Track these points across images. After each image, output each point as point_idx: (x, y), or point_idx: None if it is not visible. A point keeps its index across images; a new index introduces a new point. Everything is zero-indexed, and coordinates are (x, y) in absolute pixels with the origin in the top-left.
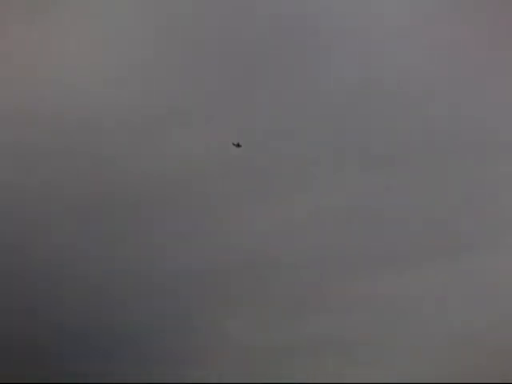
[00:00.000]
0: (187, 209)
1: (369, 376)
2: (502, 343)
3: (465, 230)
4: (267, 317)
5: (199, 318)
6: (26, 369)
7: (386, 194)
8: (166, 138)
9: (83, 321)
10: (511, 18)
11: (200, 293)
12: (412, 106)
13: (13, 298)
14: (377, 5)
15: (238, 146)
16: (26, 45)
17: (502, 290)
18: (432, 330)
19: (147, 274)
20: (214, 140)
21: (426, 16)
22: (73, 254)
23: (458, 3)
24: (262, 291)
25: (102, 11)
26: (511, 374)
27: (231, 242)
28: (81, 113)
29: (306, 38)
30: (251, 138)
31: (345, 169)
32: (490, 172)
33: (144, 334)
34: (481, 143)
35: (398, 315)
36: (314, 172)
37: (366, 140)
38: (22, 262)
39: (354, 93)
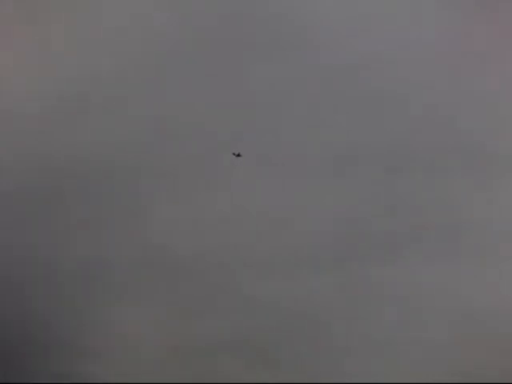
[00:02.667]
0: (95, 204)
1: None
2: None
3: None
4: (172, 316)
5: (91, 315)
6: None
7: (298, 196)
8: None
9: None
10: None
11: (100, 289)
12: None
13: None
14: None
15: (239, 155)
16: None
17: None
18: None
19: (49, 261)
20: (121, 139)
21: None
22: None
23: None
24: (168, 290)
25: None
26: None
27: (140, 240)
28: None
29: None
30: (157, 135)
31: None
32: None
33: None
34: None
35: (300, 319)
36: (225, 172)
37: (279, 141)
38: None
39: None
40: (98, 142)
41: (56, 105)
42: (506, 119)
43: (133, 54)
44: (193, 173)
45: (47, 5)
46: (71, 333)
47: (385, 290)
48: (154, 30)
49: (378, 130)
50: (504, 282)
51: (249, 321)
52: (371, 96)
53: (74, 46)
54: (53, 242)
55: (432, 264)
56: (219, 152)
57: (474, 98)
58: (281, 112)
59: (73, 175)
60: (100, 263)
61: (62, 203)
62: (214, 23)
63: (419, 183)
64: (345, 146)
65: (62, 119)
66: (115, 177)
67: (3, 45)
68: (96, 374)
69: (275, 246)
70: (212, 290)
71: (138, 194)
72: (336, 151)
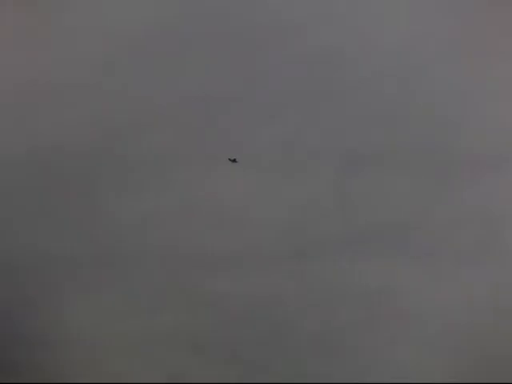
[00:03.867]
0: (45, 196)
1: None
2: None
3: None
4: (122, 308)
5: (43, 305)
6: None
7: (251, 191)
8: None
9: None
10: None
11: (55, 280)
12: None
13: None
14: None
15: (234, 161)
16: None
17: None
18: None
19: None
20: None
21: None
22: None
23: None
24: (119, 285)
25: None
26: None
27: (91, 234)
28: None
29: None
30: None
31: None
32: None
33: None
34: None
35: (251, 315)
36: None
37: (231, 135)
38: None
39: None
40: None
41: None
42: (466, 118)
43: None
44: (145, 167)
45: None
46: (24, 322)
47: (340, 286)
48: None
49: (335, 126)
50: (455, 282)
51: (199, 316)
52: (327, 90)
53: (49, 31)
54: (3, 232)
55: (383, 262)
56: (172, 147)
57: (437, 97)
58: (233, 107)
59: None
60: (48, 255)
61: (10, 194)
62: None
63: (375, 181)
64: (300, 140)
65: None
66: (66, 168)
67: None
68: (46, 362)
69: (227, 241)
70: (163, 285)
71: (89, 186)
72: (291, 146)
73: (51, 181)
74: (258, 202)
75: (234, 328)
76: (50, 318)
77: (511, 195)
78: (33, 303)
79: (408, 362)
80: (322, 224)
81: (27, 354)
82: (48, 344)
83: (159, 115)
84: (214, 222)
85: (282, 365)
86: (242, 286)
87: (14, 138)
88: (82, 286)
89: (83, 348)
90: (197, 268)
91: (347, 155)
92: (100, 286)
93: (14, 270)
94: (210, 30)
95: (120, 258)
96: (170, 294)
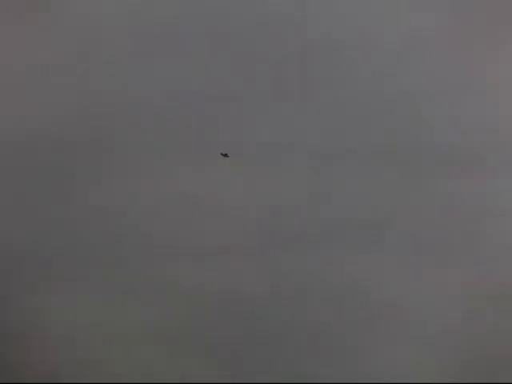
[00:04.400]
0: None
1: None
2: None
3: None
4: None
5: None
6: None
7: (224, 183)
8: None
9: None
10: None
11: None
12: None
13: None
14: None
15: (226, 155)
16: None
17: None
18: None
19: None
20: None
21: None
22: None
23: None
24: (95, 275)
25: None
26: None
27: (67, 225)
28: None
29: None
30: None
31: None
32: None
33: None
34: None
35: (225, 306)
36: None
37: (205, 128)
38: None
39: None
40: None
41: None
42: (438, 115)
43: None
44: (121, 158)
45: None
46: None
47: (315, 280)
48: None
49: (310, 118)
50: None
51: (171, 308)
52: (307, 83)
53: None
54: None
55: (356, 255)
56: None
57: (412, 94)
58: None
59: None
60: (23, 246)
61: None
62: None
63: (349, 174)
64: (274, 132)
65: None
66: (40, 156)
67: None
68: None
69: (199, 233)
70: (137, 277)
71: (67, 175)
72: (263, 138)
73: (25, 169)
74: (234, 195)
75: (208, 322)
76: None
77: (493, 189)
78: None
79: (383, 355)
80: (297, 219)
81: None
82: (22, 338)
83: (137, 105)
84: (188, 215)
85: (257, 359)
86: (216, 280)
87: None
88: (55, 278)
89: (57, 339)
90: (171, 260)
91: (322, 151)
92: (74, 277)
93: None
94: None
95: (94, 250)
96: (144, 286)
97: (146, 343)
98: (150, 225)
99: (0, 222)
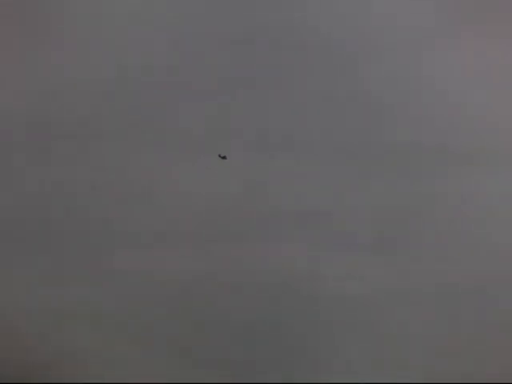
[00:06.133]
0: None
1: None
2: None
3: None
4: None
5: None
6: None
7: (169, 170)
8: None
9: None
10: None
11: None
12: None
13: None
14: None
15: (224, 158)
16: None
17: None
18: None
19: None
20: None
21: None
22: None
23: None
24: (28, 256)
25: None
26: None
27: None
28: None
29: None
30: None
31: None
32: None
33: None
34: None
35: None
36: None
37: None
38: None
39: None
40: None
41: None
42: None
43: None
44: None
45: None
46: None
47: (262, 270)
48: None
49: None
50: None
51: (112, 293)
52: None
53: None
54: None
55: (295, 247)
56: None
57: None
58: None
59: None
60: None
61: None
62: None
63: (295, 166)
64: (220, 120)
65: None
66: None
67: None
68: None
69: (135, 220)
70: (79, 260)
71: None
72: (209, 125)
73: None
74: (180, 179)
75: (146, 307)
76: None
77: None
78: None
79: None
80: (240, 207)
81: None
82: None
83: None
84: (135, 200)
85: (199, 346)
86: (159, 265)
87: None
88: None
89: None
90: (108, 245)
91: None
92: (8, 258)
93: None
94: None
95: (28, 230)
96: (80, 270)
97: (80, 324)
98: (85, 207)
99: None
